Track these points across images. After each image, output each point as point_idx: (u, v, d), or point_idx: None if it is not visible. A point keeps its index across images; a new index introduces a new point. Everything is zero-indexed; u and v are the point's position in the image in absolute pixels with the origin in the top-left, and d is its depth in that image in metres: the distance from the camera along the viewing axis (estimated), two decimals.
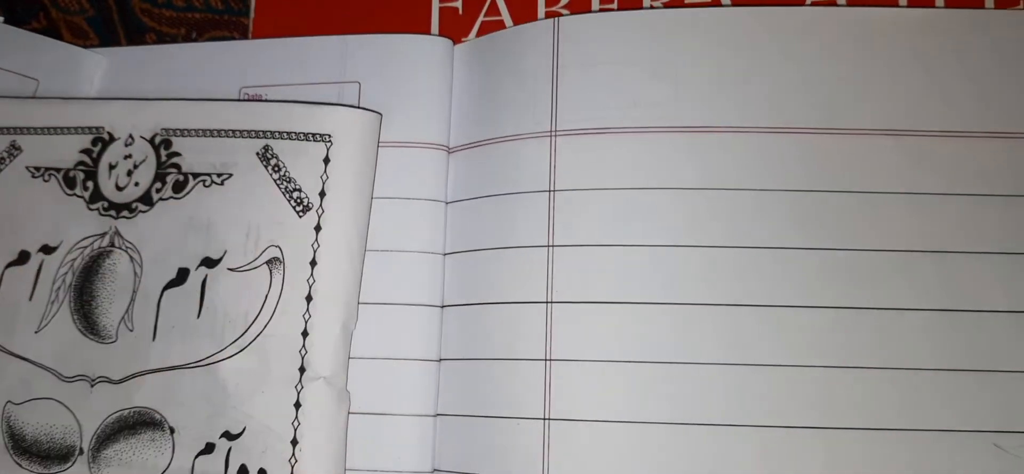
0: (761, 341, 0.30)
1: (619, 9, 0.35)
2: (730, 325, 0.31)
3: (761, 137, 0.32)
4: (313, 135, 0.32)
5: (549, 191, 0.32)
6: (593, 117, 0.32)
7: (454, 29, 0.36)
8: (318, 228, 0.32)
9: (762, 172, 0.31)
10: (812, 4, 0.34)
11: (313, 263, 0.31)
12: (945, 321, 0.30)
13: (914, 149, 0.32)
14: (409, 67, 0.34)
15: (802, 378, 0.30)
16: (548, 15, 0.36)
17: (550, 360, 0.31)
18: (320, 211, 0.32)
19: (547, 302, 0.31)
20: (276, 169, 0.32)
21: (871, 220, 0.31)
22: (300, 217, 0.32)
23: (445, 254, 0.33)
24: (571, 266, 0.31)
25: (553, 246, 0.32)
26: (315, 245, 0.32)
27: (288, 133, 0.33)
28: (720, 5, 0.34)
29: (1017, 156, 0.31)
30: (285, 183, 0.32)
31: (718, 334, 0.30)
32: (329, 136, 0.32)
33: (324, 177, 0.32)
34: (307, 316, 0.31)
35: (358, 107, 0.33)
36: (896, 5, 0.34)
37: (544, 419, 0.31)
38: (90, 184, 0.34)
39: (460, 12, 0.37)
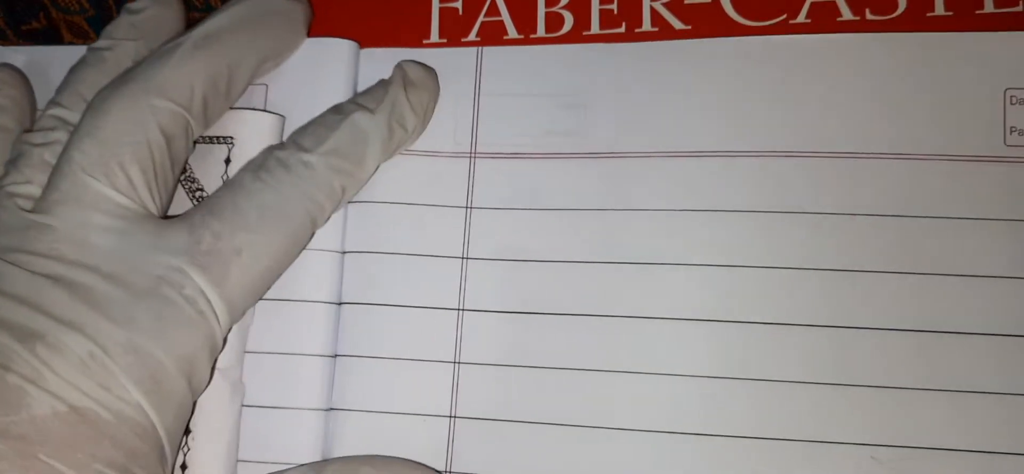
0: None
1: (539, 39, 0.36)
2: (638, 334, 0.32)
3: (668, 160, 0.33)
4: (215, 137, 0.33)
5: (466, 208, 0.34)
6: (510, 141, 0.34)
7: (454, 30, 0.36)
8: None
9: (666, 193, 0.33)
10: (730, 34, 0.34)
11: None
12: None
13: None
14: (311, 70, 0.34)
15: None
16: (548, 16, 0.36)
17: (459, 363, 0.33)
18: None
19: (459, 309, 0.33)
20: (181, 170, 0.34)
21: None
22: None
23: (343, 252, 0.34)
24: (483, 275, 0.33)
25: (467, 258, 0.33)
26: None
27: None
28: (633, 40, 0.34)
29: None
30: (189, 183, 0.34)
31: (628, 344, 0.32)
32: (231, 138, 0.33)
33: (224, 177, 0.33)
34: None
35: (260, 109, 0.34)
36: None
37: (450, 417, 0.32)
38: None
39: (460, 12, 0.36)
